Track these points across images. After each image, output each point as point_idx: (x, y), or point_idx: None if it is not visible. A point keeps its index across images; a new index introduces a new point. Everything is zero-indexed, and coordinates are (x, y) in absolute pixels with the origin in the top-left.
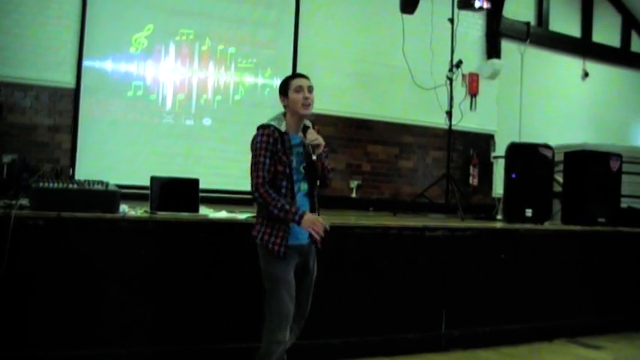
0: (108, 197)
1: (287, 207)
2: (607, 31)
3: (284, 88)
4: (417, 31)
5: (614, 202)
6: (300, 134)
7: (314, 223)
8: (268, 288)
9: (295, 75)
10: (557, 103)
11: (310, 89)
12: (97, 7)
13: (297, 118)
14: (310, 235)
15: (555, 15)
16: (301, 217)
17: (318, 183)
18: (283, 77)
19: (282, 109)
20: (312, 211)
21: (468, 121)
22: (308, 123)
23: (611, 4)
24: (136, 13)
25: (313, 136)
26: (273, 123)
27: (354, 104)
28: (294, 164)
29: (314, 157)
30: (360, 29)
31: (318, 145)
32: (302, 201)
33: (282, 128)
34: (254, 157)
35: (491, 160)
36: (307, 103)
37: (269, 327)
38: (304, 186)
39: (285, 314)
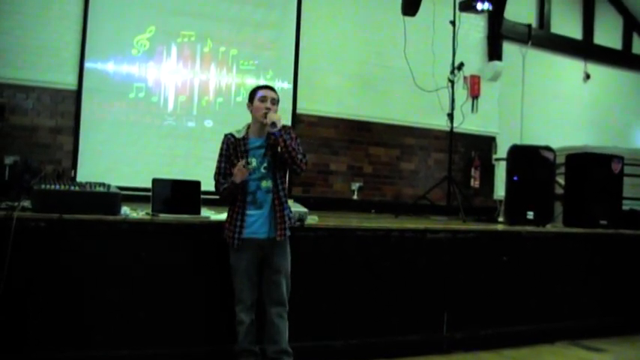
0: (109, 199)
1: (229, 179)
2: (608, 33)
3: (251, 96)
4: (418, 33)
5: (615, 204)
6: (267, 130)
7: (236, 171)
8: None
9: (263, 86)
10: (558, 105)
11: (274, 101)
12: (98, 8)
13: (258, 124)
14: (272, 231)
15: (557, 17)
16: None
17: (290, 171)
18: (286, 78)
19: (282, 111)
20: (276, 206)
21: (469, 123)
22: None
23: (612, 6)
24: (137, 14)
25: (271, 116)
26: (233, 131)
27: (355, 106)
28: (253, 164)
29: (275, 130)
30: (361, 31)
31: (273, 123)
32: (263, 197)
33: (239, 135)
34: (216, 162)
35: (493, 162)
36: (265, 112)
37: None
38: (266, 183)
39: (241, 299)
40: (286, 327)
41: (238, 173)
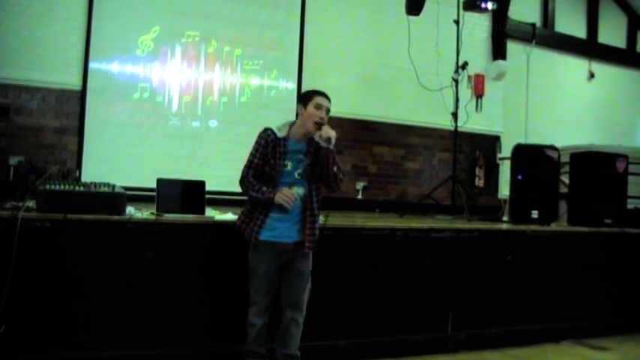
0: (114, 199)
1: (264, 189)
2: (612, 32)
3: (306, 99)
4: (422, 33)
5: (620, 203)
6: (316, 138)
7: (284, 195)
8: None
9: (321, 93)
10: (563, 104)
11: (328, 111)
12: (103, 9)
13: (304, 130)
14: (298, 236)
15: (561, 16)
16: (274, 193)
17: (325, 185)
18: (291, 79)
19: (287, 111)
20: (306, 217)
21: (473, 122)
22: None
23: (616, 5)
24: (142, 15)
25: (327, 131)
26: (273, 127)
27: (359, 106)
28: (288, 168)
29: (330, 146)
30: (365, 31)
31: (328, 139)
32: (294, 204)
33: (280, 134)
34: (249, 154)
35: (497, 161)
36: (320, 123)
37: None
38: (296, 190)
39: (256, 301)
40: (300, 332)
41: (286, 199)
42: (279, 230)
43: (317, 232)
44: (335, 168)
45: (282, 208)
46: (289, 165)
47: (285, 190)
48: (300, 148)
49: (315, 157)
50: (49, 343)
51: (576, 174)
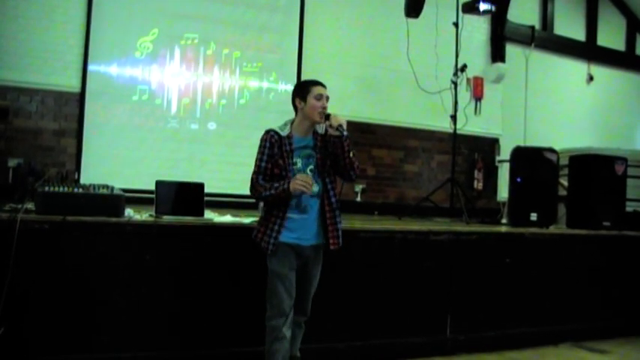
0: (113, 201)
1: (277, 184)
2: (612, 35)
3: (303, 92)
4: (421, 35)
5: (619, 205)
6: (310, 136)
7: (299, 180)
8: (268, 282)
9: (317, 82)
10: (561, 107)
11: (328, 99)
12: (102, 11)
13: (309, 123)
14: (317, 239)
15: (560, 19)
16: (289, 184)
17: (341, 176)
18: (290, 81)
19: (286, 114)
20: (325, 213)
21: (472, 125)
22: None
23: (615, 8)
24: (141, 17)
25: (337, 119)
26: (275, 127)
27: (358, 108)
28: (298, 166)
29: (344, 133)
30: (364, 33)
31: (340, 126)
32: (309, 202)
33: (284, 133)
34: (255, 160)
35: (496, 164)
36: (325, 113)
37: (268, 322)
38: (313, 187)
39: (284, 311)
40: (302, 334)
41: (303, 184)
42: (299, 232)
43: (340, 225)
44: (351, 155)
45: (299, 206)
46: (299, 162)
47: (299, 175)
48: (306, 144)
49: (324, 149)
50: (48, 344)
51: (575, 177)
